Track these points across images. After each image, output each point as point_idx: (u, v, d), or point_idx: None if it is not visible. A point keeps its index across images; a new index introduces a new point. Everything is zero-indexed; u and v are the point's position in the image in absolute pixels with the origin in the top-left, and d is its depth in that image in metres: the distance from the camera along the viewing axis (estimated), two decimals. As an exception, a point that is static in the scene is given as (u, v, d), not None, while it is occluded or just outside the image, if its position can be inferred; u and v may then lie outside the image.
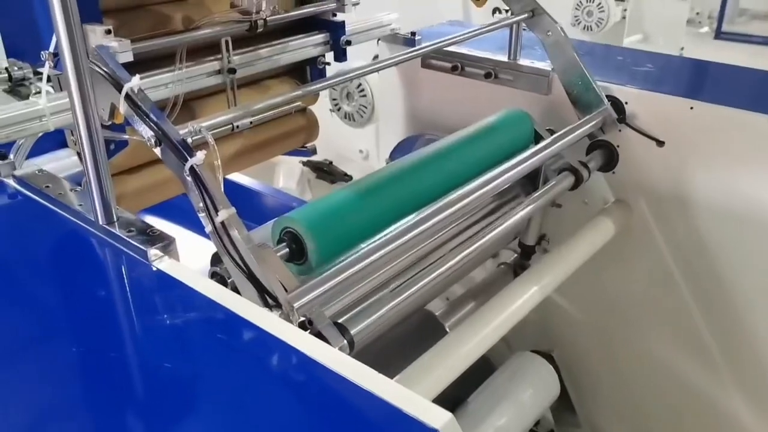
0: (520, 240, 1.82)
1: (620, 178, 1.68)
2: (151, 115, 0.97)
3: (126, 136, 1.41)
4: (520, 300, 1.39)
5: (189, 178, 0.95)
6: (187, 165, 0.94)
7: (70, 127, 1.35)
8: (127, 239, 0.96)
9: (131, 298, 0.92)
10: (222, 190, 0.95)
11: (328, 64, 1.86)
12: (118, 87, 0.99)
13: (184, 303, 0.91)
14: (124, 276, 0.96)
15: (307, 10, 1.68)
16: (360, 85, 3.58)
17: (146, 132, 0.98)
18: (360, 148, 3.23)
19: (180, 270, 0.93)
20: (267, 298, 0.94)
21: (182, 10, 1.53)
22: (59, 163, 1.55)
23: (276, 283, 0.94)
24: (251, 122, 1.64)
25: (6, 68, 3.44)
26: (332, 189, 2.04)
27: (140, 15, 1.47)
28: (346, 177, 3.44)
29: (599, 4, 4.54)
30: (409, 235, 1.13)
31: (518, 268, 1.86)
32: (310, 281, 1.00)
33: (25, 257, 1.02)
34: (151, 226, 0.99)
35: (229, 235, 0.95)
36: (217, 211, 0.94)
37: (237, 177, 2.52)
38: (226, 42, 1.53)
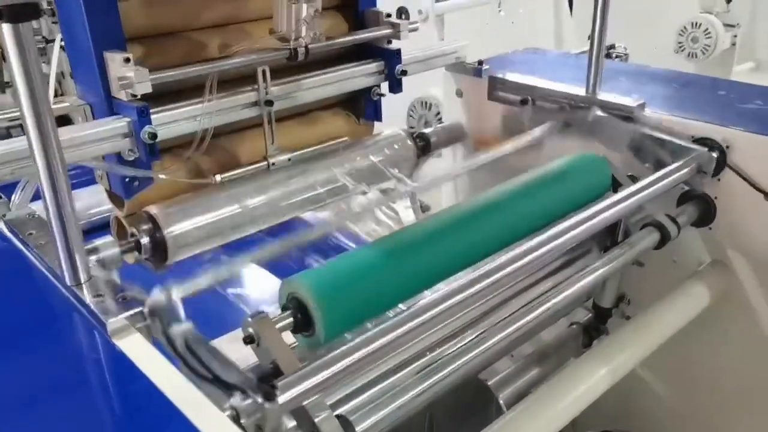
0: (595, 300, 1.57)
1: (718, 235, 1.41)
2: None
3: (151, 173, 1.30)
4: (596, 377, 1.16)
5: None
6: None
7: (87, 162, 1.25)
8: (90, 305, 0.82)
9: (74, 376, 0.77)
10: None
11: (383, 95, 1.70)
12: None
13: (133, 394, 0.74)
14: (74, 348, 0.81)
15: (356, 37, 1.53)
16: (439, 113, 3.40)
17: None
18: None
19: (143, 352, 0.77)
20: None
21: (219, 36, 1.40)
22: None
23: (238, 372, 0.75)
24: (290, 159, 1.49)
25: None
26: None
27: (172, 42, 1.36)
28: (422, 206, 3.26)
29: (706, 29, 4.17)
30: (444, 305, 0.92)
31: (592, 330, 1.61)
32: (307, 366, 0.81)
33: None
34: (125, 292, 0.84)
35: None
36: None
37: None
38: (264, 71, 1.39)
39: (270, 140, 1.47)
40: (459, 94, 1.81)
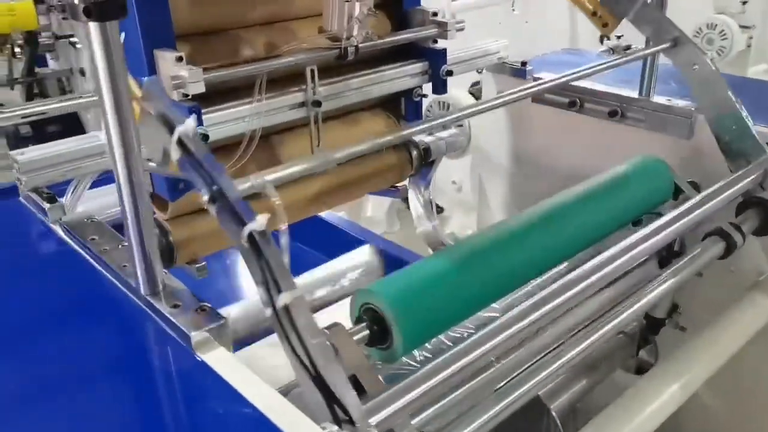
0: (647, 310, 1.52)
1: (780, 244, 1.37)
2: (206, 166, 0.78)
3: (195, 175, 1.25)
4: (662, 399, 1.11)
5: (246, 246, 0.75)
6: (245, 231, 0.74)
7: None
8: (170, 317, 0.77)
9: (159, 392, 0.72)
10: (287, 264, 0.74)
11: (425, 95, 1.65)
12: (170, 129, 0.80)
13: (224, 411, 0.70)
14: (156, 362, 0.76)
15: (405, 36, 1.48)
16: (456, 114, 3.34)
17: (200, 185, 0.79)
18: (454, 179, 3.04)
19: (229, 365, 0.73)
20: (337, 410, 0.72)
21: (265, 35, 1.35)
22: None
23: (348, 391, 0.71)
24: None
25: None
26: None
27: (219, 40, 1.31)
28: (438, 209, 3.22)
29: (722, 31, 4.14)
30: (528, 320, 0.87)
31: (642, 341, 1.57)
32: (395, 386, 0.77)
33: (54, 318, 0.85)
34: (203, 302, 0.80)
35: (292, 323, 0.74)
36: (279, 290, 0.73)
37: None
38: (312, 71, 1.35)
39: (316, 142, 1.42)
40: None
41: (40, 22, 3.97)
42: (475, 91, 2.82)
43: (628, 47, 3.74)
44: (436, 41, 1.55)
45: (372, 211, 3.49)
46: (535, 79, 1.65)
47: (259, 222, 0.73)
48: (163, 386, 0.72)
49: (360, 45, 1.35)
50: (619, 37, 2.77)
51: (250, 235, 0.74)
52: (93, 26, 0.70)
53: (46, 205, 1.02)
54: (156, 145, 0.86)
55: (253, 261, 0.75)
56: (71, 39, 4.12)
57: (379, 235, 2.83)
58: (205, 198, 0.77)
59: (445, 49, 1.54)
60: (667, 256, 1.35)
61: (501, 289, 1.01)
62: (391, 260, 1.69)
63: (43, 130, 4.42)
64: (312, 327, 0.72)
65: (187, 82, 1.13)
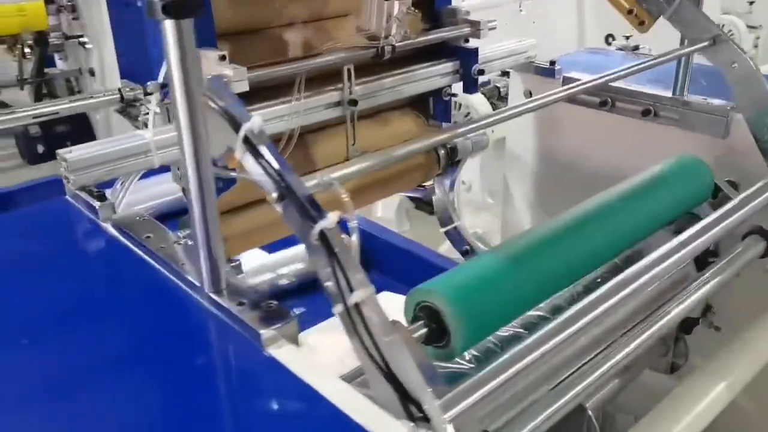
0: (680, 309, 1.52)
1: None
2: (274, 164, 0.78)
3: (236, 174, 1.25)
4: (703, 405, 1.10)
5: (317, 245, 0.75)
6: (316, 229, 0.74)
7: (179, 163, 1.20)
8: (237, 314, 0.77)
9: (234, 391, 0.72)
10: (357, 260, 0.74)
11: (455, 95, 1.65)
12: (235, 126, 0.80)
13: (304, 408, 0.70)
14: (229, 361, 0.76)
15: (440, 35, 1.48)
16: (468, 114, 3.35)
17: (266, 184, 0.79)
18: (463, 179, 3.03)
19: (301, 362, 0.73)
20: (411, 407, 0.72)
21: (302, 34, 1.35)
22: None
23: (424, 388, 0.71)
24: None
25: (119, 89, 3.43)
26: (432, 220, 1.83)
27: (257, 39, 1.31)
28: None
29: (729, 31, 4.15)
30: (588, 317, 0.87)
31: (669, 339, 1.57)
32: (465, 382, 0.77)
33: (118, 319, 0.85)
34: (267, 299, 0.79)
35: (364, 321, 0.73)
36: (351, 288, 0.73)
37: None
38: (348, 70, 1.35)
39: (351, 141, 1.42)
40: (528, 95, 1.77)
41: (49, 22, 3.97)
42: (486, 90, 2.82)
43: (636, 47, 3.73)
44: (467, 40, 1.56)
45: (382, 211, 3.49)
46: (567, 79, 1.65)
47: (331, 220, 0.73)
48: (239, 385, 0.72)
49: (397, 44, 1.35)
50: (627, 38, 2.77)
51: (321, 233, 0.74)
52: (169, 23, 0.69)
53: (97, 204, 1.02)
54: (215, 145, 0.86)
55: (323, 258, 0.75)
56: (81, 39, 4.12)
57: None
58: (274, 196, 0.77)
59: (476, 49, 1.54)
60: (703, 254, 1.35)
61: (551, 289, 1.01)
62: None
63: (51, 131, 4.41)
64: (386, 325, 0.72)
65: (231, 81, 1.13)
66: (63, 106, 3.86)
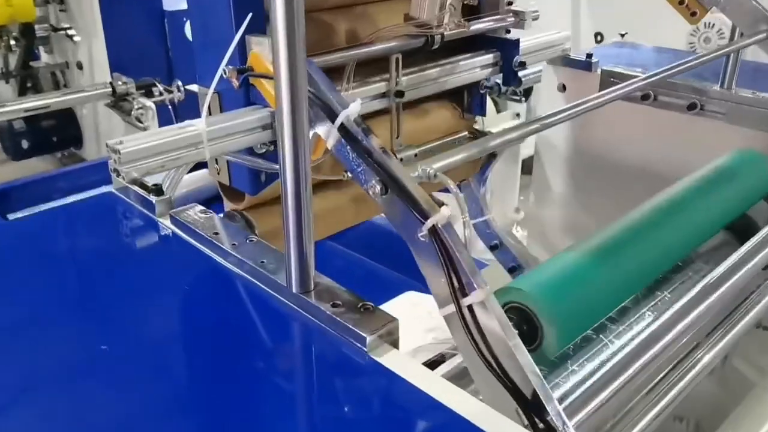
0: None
1: None
2: (375, 154, 0.72)
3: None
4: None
5: (426, 242, 0.69)
6: (427, 224, 0.68)
7: (227, 154, 1.14)
8: (335, 317, 0.71)
9: (343, 400, 0.66)
10: (472, 259, 0.69)
11: (491, 87, 1.61)
12: (331, 114, 0.74)
13: (420, 414, 0.65)
14: (333, 366, 0.70)
15: (486, 25, 1.43)
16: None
17: (366, 175, 0.73)
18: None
19: (411, 367, 0.67)
20: (531, 415, 0.67)
21: (347, 20, 1.30)
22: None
23: (549, 397, 0.66)
24: (416, 154, 1.39)
25: (110, 83, 3.30)
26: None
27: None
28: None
29: (719, 30, 4.15)
30: (688, 319, 0.83)
31: None
32: (582, 387, 0.72)
33: (199, 327, 0.78)
34: (362, 300, 0.74)
35: (477, 323, 0.68)
36: (464, 289, 0.68)
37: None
38: (397, 60, 1.29)
39: (395, 134, 1.37)
40: (561, 88, 1.73)
41: (36, 13, 3.84)
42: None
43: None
44: (509, 31, 1.51)
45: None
46: (606, 72, 1.61)
47: (444, 214, 0.68)
48: (349, 391, 0.66)
49: (448, 33, 1.30)
50: (623, 35, 2.75)
51: (433, 230, 0.68)
52: (279, 3, 0.63)
53: (153, 198, 0.95)
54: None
55: (433, 256, 0.69)
56: (69, 32, 3.99)
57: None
58: (377, 189, 0.71)
59: (518, 39, 1.49)
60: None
61: (633, 288, 0.97)
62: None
63: (37, 126, 4.26)
64: (507, 329, 0.67)
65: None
66: (54, 100, 3.72)
